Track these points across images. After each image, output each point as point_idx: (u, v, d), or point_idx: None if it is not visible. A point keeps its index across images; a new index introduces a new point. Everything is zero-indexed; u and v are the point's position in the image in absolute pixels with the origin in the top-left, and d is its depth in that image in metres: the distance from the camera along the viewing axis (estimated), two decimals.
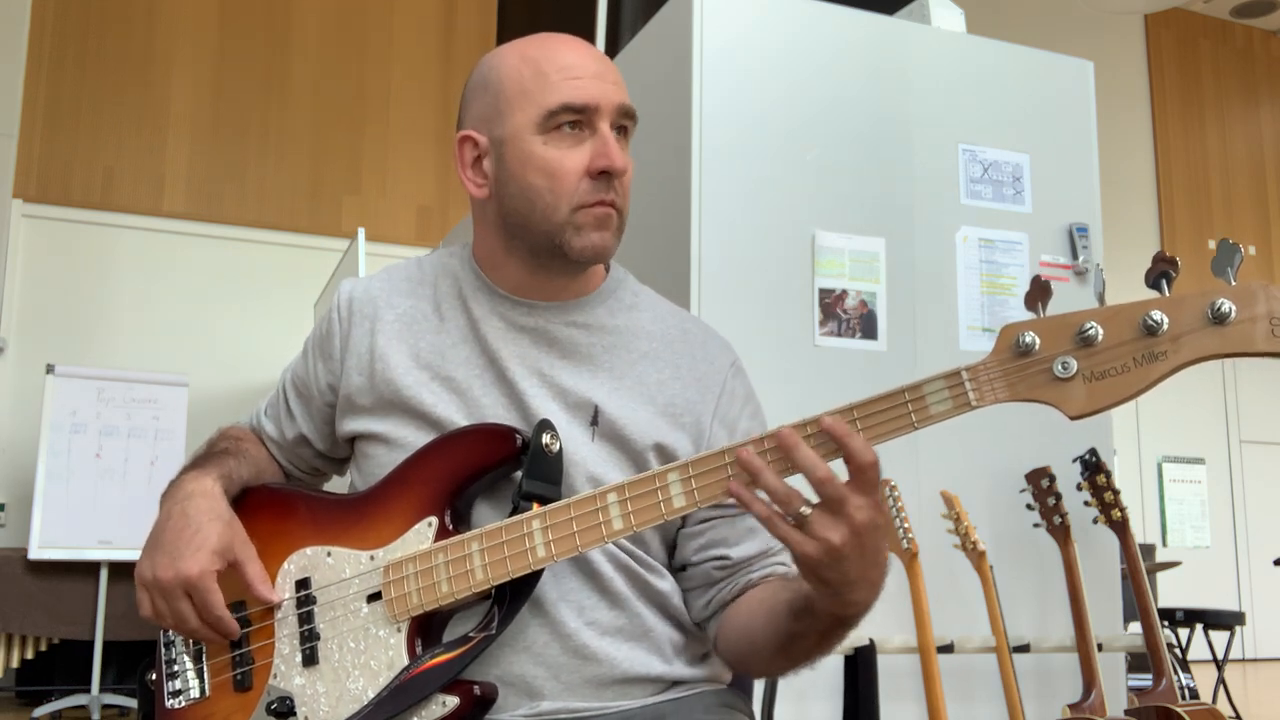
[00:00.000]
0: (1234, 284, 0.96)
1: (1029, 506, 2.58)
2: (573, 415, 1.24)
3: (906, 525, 2.34)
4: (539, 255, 1.26)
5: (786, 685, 2.27)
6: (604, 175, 1.22)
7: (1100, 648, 2.52)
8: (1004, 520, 2.62)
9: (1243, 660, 8.79)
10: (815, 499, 1.02)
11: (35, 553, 5.04)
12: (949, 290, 2.70)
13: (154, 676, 1.30)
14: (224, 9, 6.83)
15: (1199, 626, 5.42)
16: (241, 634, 1.23)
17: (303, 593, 1.22)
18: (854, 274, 2.61)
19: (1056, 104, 2.91)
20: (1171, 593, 7.44)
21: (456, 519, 1.20)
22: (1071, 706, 2.48)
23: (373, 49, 7.14)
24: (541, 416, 1.22)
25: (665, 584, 1.27)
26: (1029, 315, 1.02)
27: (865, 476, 1.01)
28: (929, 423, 1.04)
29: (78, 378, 5.37)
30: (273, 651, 1.22)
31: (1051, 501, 2.55)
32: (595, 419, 1.24)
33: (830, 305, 2.58)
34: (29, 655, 5.08)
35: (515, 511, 1.17)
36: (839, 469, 1.02)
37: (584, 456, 1.23)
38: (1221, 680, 5.14)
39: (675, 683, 1.25)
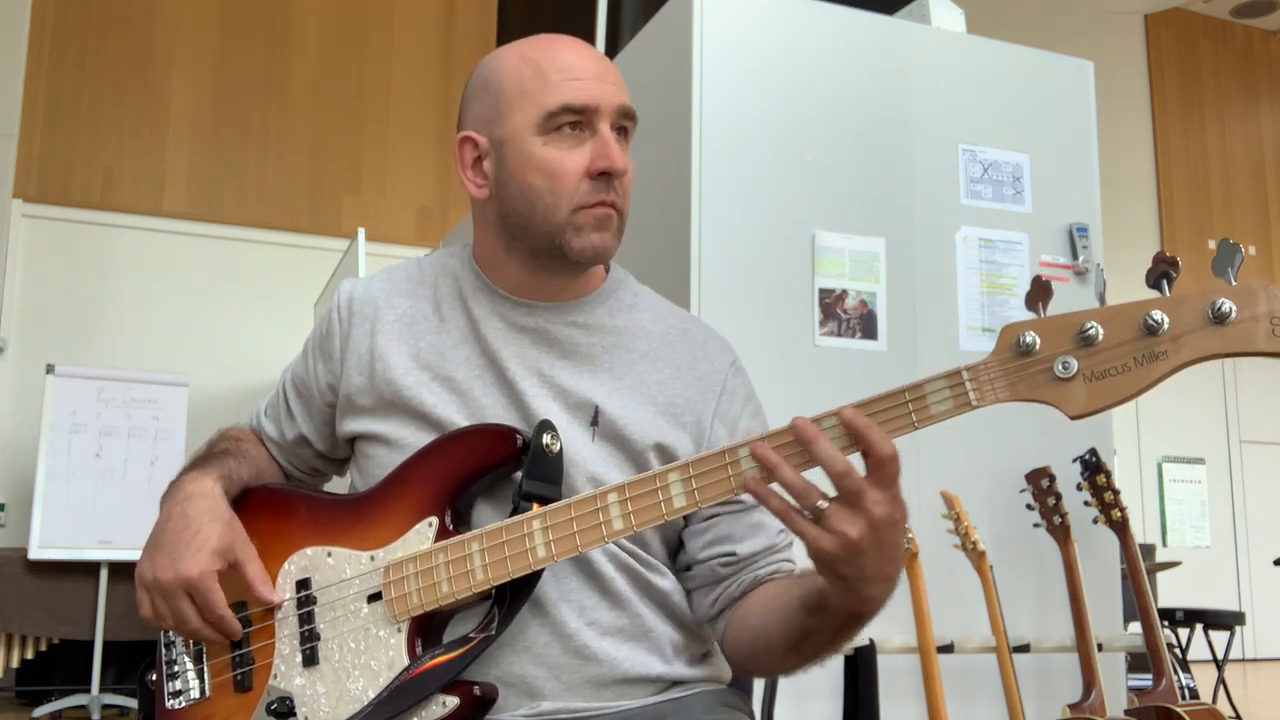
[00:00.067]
0: (1234, 284, 0.96)
1: (1029, 506, 2.58)
2: (573, 415, 1.24)
3: (906, 525, 2.34)
4: (539, 256, 1.26)
5: (786, 685, 2.26)
6: (604, 176, 1.22)
7: (1100, 648, 2.52)
8: (1004, 520, 2.62)
9: (1243, 660, 8.79)
10: (831, 493, 1.00)
11: (35, 553, 5.04)
12: (949, 290, 2.71)
13: (154, 677, 1.30)
14: (224, 9, 6.83)
15: (1199, 626, 5.42)
16: (242, 634, 1.23)
17: (303, 593, 1.22)
18: (854, 274, 2.61)
19: (1056, 104, 2.91)
20: (1171, 593, 7.44)
21: (457, 519, 1.20)
22: (1071, 706, 2.48)
23: (373, 49, 7.14)
24: (542, 417, 1.22)
25: (666, 583, 1.27)
26: (1029, 315, 1.02)
27: (885, 470, 1.00)
28: (929, 422, 1.04)
29: (78, 378, 5.37)
30: (273, 652, 1.22)
31: (1051, 501, 2.55)
32: (595, 419, 1.24)
33: (830, 305, 2.58)
34: (29, 655, 5.08)
35: (515, 512, 1.17)
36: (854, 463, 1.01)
37: (584, 456, 1.23)
38: (1221, 680, 5.13)
39: (675, 683, 1.25)
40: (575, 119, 1.22)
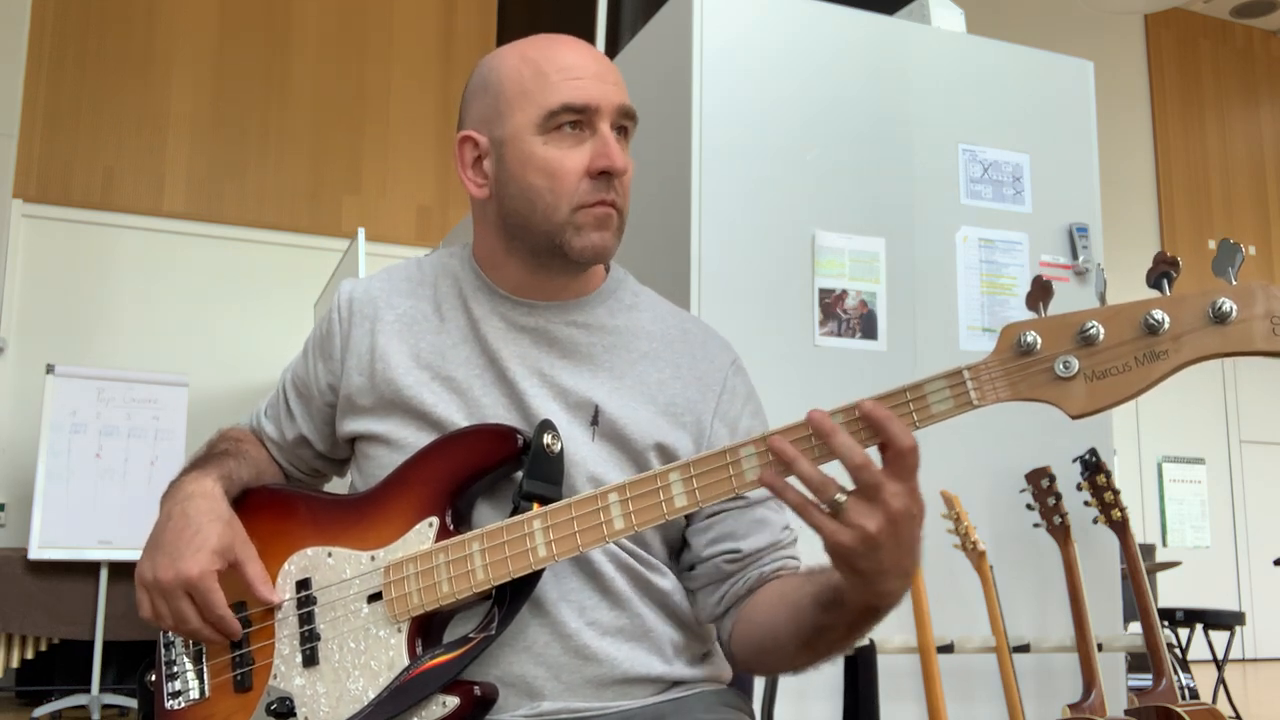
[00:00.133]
0: (1235, 284, 0.96)
1: (1029, 506, 2.58)
2: (573, 415, 1.24)
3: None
4: (539, 255, 1.26)
5: (786, 685, 2.26)
6: (604, 175, 1.22)
7: (1100, 648, 2.52)
8: (1004, 520, 2.62)
9: (1243, 660, 8.80)
10: (849, 486, 1.00)
11: (35, 553, 5.04)
12: (949, 290, 2.70)
13: (153, 677, 1.30)
14: (224, 9, 6.83)
15: (1199, 626, 5.42)
16: (242, 634, 1.23)
17: (303, 593, 1.22)
18: (854, 274, 2.61)
19: (1056, 104, 2.91)
20: (1171, 593, 7.44)
21: (457, 519, 1.20)
22: (1071, 706, 2.48)
23: (373, 49, 7.14)
24: (542, 416, 1.22)
25: (667, 583, 1.26)
26: (1029, 315, 1.02)
27: (905, 462, 0.99)
28: (930, 422, 1.04)
29: (78, 378, 5.37)
30: (273, 652, 1.22)
31: (1051, 501, 2.55)
32: (595, 419, 1.24)
33: (830, 305, 2.58)
34: (29, 655, 5.08)
35: (516, 511, 1.17)
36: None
37: (584, 456, 1.23)
38: (1221, 680, 5.14)
39: (675, 683, 1.25)
40: (575, 118, 1.22)
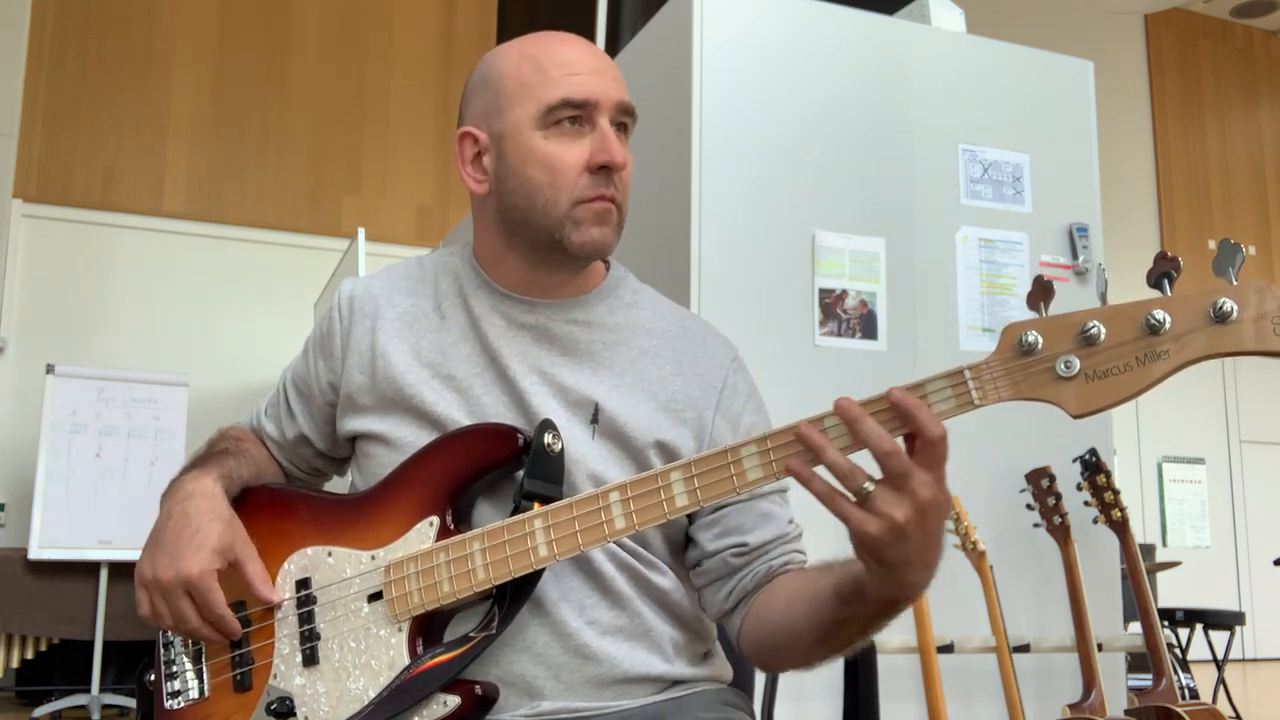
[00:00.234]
0: (1235, 284, 0.96)
1: (1029, 506, 2.58)
2: (573, 413, 1.24)
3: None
4: (539, 251, 1.26)
5: (786, 685, 2.26)
6: (604, 170, 1.22)
7: (1100, 648, 2.52)
8: (1004, 520, 2.62)
9: (1243, 660, 8.80)
10: (876, 475, 0.98)
11: (35, 553, 5.04)
12: (949, 290, 2.70)
13: (153, 677, 1.30)
14: (224, 9, 6.83)
15: (1199, 626, 5.42)
16: (241, 634, 1.23)
17: (303, 592, 1.22)
18: (854, 274, 2.61)
19: (1056, 104, 2.91)
20: (1171, 593, 7.45)
21: (458, 518, 1.20)
22: (1071, 706, 2.48)
23: (373, 49, 7.14)
24: (542, 414, 1.22)
25: (667, 582, 1.26)
26: (1030, 315, 1.02)
27: (934, 451, 0.98)
28: None
29: (78, 378, 5.37)
30: (273, 651, 1.22)
31: (1051, 501, 2.55)
32: (596, 416, 1.24)
33: (830, 305, 2.58)
34: (29, 655, 5.08)
35: (517, 511, 1.17)
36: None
37: (584, 454, 1.23)
38: (1221, 680, 5.14)
39: (676, 682, 1.25)
40: (575, 113, 1.22)
